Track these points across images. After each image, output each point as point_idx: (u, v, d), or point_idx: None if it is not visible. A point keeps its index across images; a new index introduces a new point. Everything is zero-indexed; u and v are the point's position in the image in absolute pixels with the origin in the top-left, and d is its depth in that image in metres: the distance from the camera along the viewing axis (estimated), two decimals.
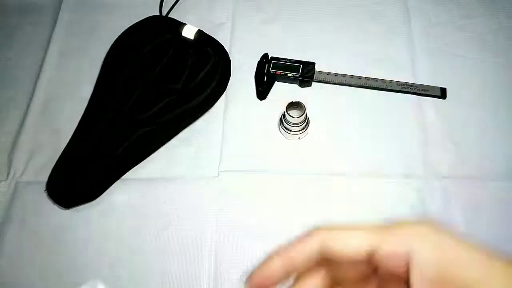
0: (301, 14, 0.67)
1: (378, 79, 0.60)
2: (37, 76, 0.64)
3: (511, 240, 0.51)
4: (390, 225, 0.21)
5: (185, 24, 0.62)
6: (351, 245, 0.21)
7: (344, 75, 0.61)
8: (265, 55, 0.63)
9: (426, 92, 0.59)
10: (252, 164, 0.57)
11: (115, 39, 0.63)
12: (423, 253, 0.20)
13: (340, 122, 0.59)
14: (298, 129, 0.56)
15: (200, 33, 0.62)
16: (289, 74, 0.61)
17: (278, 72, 0.61)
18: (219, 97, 0.60)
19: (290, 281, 0.24)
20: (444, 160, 0.56)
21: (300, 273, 0.24)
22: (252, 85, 0.62)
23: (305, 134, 0.58)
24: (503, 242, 0.52)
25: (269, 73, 0.61)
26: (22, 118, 0.61)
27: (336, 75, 0.61)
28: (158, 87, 0.60)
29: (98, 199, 0.55)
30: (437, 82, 0.60)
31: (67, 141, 0.58)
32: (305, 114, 0.54)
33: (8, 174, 0.58)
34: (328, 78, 0.61)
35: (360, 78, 0.60)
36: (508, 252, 0.56)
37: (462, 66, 0.62)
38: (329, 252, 0.22)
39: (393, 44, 0.64)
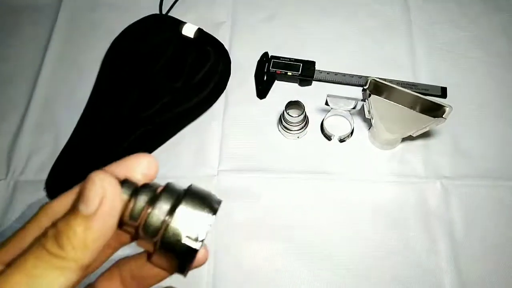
0: (301, 13, 0.67)
1: (378, 78, 0.60)
2: (37, 76, 0.64)
3: (510, 240, 0.51)
4: None
5: (185, 22, 0.62)
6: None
7: (344, 74, 0.61)
8: (265, 54, 0.63)
9: (426, 92, 0.59)
10: (251, 163, 0.57)
11: (114, 38, 0.63)
12: None
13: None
14: (297, 128, 0.56)
15: (200, 32, 0.62)
16: (289, 73, 0.61)
17: (278, 71, 0.61)
18: (219, 96, 0.60)
19: None
20: (444, 160, 0.56)
21: None
22: (252, 84, 0.62)
23: (304, 134, 0.58)
24: (503, 242, 0.52)
25: (269, 72, 0.61)
26: (22, 117, 0.61)
27: (336, 74, 0.61)
28: (158, 85, 0.60)
29: None
30: (437, 81, 0.60)
31: (67, 140, 0.58)
32: (304, 113, 0.54)
33: (7, 173, 0.58)
34: (328, 77, 0.61)
35: (360, 77, 0.60)
36: (508, 252, 0.56)
37: (463, 65, 0.62)
38: None
39: (393, 43, 0.64)
